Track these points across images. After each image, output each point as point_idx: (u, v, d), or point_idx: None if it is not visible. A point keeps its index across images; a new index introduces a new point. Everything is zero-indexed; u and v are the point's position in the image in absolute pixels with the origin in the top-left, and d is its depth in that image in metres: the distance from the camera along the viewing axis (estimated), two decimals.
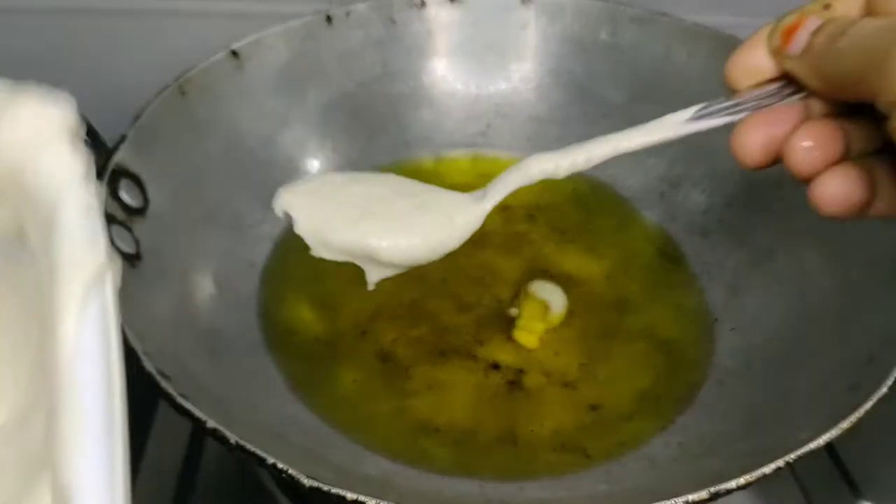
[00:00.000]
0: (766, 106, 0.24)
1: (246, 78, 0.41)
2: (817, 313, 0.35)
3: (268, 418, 0.31)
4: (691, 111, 0.25)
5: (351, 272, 0.40)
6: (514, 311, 0.38)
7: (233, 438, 0.24)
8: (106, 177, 0.32)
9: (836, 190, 0.22)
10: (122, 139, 0.34)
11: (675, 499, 0.24)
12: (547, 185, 0.45)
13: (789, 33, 0.23)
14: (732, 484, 0.24)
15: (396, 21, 0.44)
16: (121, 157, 0.33)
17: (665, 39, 0.43)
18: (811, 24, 0.22)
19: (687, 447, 0.32)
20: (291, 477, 0.24)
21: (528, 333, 0.37)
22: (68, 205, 0.19)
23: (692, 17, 0.43)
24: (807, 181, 0.23)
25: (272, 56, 0.41)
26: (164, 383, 0.26)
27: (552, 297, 0.38)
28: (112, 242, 0.30)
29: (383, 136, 0.45)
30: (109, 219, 0.31)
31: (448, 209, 0.27)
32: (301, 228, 0.26)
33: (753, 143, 0.23)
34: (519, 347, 0.37)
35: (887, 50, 0.19)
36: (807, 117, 0.23)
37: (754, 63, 0.24)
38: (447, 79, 0.46)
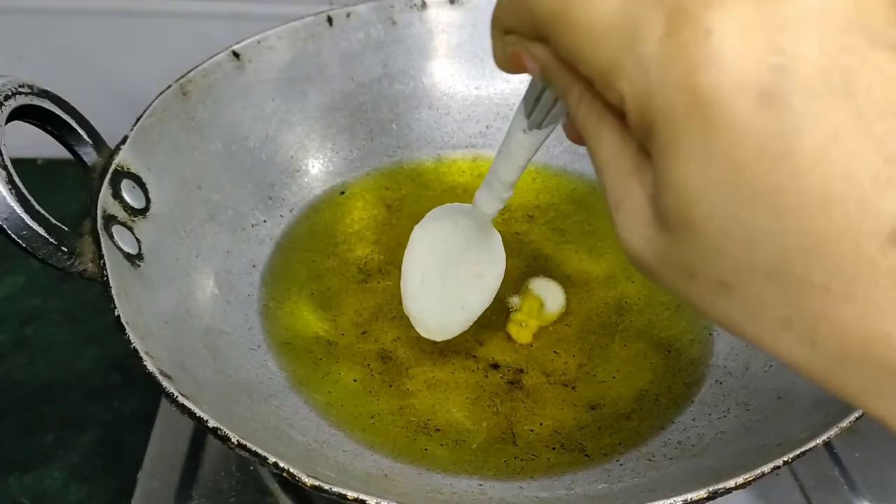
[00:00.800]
0: None
1: (247, 78, 0.41)
2: None
3: (269, 417, 0.31)
4: (524, 121, 0.25)
5: (351, 272, 0.40)
6: (514, 301, 0.38)
7: (234, 438, 0.25)
8: (108, 177, 0.32)
9: None
10: (124, 140, 0.34)
11: (674, 498, 0.24)
12: (546, 185, 0.45)
13: (517, 65, 0.20)
14: (731, 483, 0.24)
15: (397, 22, 0.45)
16: (122, 157, 0.33)
17: None
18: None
19: (686, 446, 0.32)
20: (293, 476, 0.24)
21: (521, 329, 0.37)
22: None
23: None
24: None
25: (273, 57, 0.42)
26: (165, 383, 0.26)
27: (550, 294, 0.39)
28: (114, 243, 0.30)
29: (384, 136, 0.46)
30: (111, 219, 0.31)
31: (477, 270, 0.34)
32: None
33: (573, 132, 0.23)
34: (518, 347, 0.37)
35: None
36: None
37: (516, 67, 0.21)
38: (447, 80, 0.46)
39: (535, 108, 0.24)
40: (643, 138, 0.16)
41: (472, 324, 0.35)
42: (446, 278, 0.35)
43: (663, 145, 0.15)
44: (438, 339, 0.35)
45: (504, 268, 0.34)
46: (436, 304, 0.35)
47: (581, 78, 0.18)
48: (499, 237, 0.34)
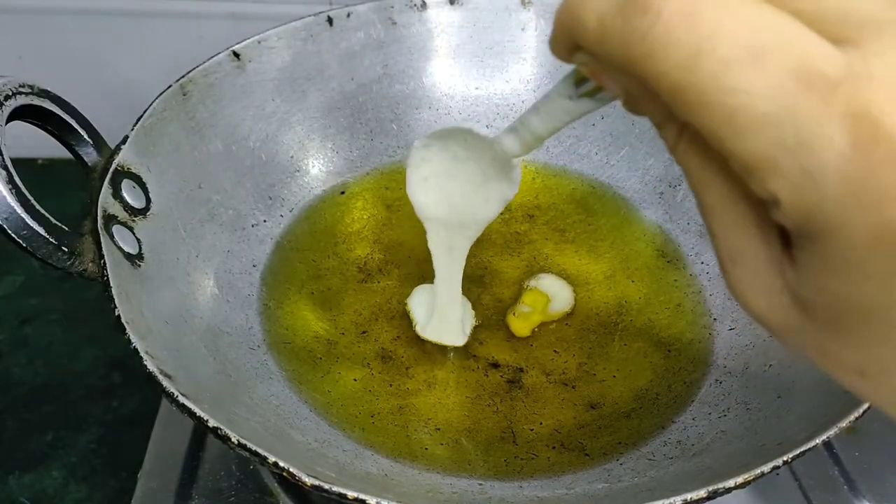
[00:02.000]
0: None
1: (247, 78, 0.41)
2: None
3: (269, 417, 0.31)
4: (572, 89, 0.22)
5: (351, 272, 0.40)
6: (530, 283, 0.39)
7: (234, 437, 0.25)
8: (108, 177, 0.32)
9: None
10: (125, 140, 0.34)
11: (674, 497, 0.24)
12: (546, 185, 0.45)
13: (597, 78, 0.19)
14: (731, 483, 0.24)
15: (397, 22, 0.45)
16: (123, 157, 0.33)
17: None
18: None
19: (685, 446, 0.32)
20: (293, 475, 0.24)
21: (521, 321, 0.37)
22: None
23: None
24: None
25: (273, 57, 0.42)
26: (166, 383, 0.26)
27: (559, 293, 0.39)
28: (114, 242, 0.30)
29: (384, 136, 0.46)
30: (111, 219, 0.31)
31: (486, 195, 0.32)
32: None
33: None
34: (518, 346, 0.37)
35: None
36: None
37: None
38: (447, 80, 0.46)
39: (588, 82, 0.22)
40: (792, 230, 0.14)
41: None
42: (454, 195, 0.32)
43: (829, 259, 0.14)
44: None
45: (516, 191, 0.31)
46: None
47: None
48: (518, 167, 0.30)
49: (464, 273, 0.38)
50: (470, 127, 0.30)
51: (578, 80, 0.22)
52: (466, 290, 0.39)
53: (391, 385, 0.35)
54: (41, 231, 0.28)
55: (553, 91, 0.23)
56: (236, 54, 0.40)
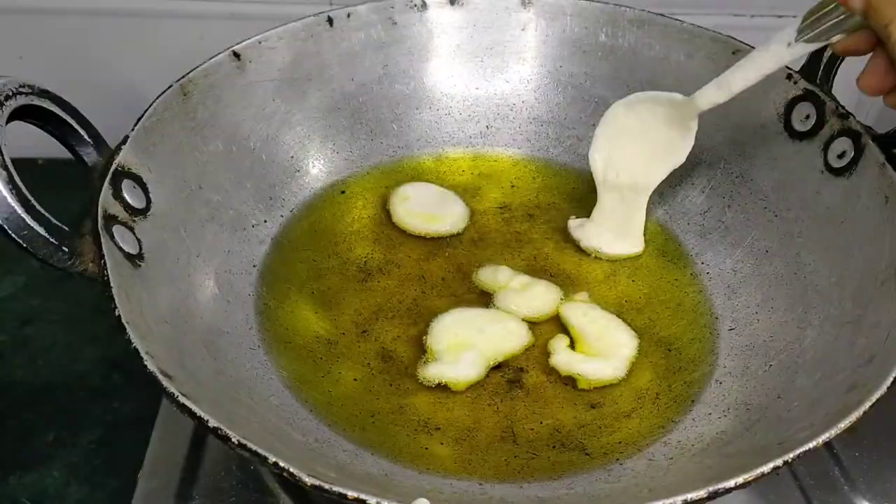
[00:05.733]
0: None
1: (247, 79, 0.41)
2: (816, 313, 0.35)
3: (269, 417, 0.31)
4: (791, 35, 0.31)
5: (351, 272, 0.40)
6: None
7: (234, 437, 0.25)
8: (108, 177, 0.32)
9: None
10: (125, 140, 0.34)
11: (674, 497, 0.24)
12: (547, 184, 0.46)
13: None
14: (731, 483, 0.24)
15: (397, 23, 0.45)
16: (123, 157, 0.33)
17: (664, 41, 0.43)
18: None
19: (686, 446, 0.32)
20: (293, 475, 0.24)
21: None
22: None
23: (690, 19, 0.43)
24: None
25: (274, 57, 0.42)
26: (166, 383, 0.26)
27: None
28: (115, 243, 0.30)
29: (384, 136, 0.46)
30: (112, 219, 0.31)
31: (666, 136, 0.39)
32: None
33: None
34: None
35: None
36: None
37: None
38: (447, 80, 0.46)
39: (813, 22, 0.30)
40: None
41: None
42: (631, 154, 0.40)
43: None
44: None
45: (685, 156, 0.39)
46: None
47: None
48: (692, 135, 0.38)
49: (464, 272, 0.38)
50: (670, 94, 0.37)
51: (802, 27, 0.30)
52: (467, 290, 0.39)
53: (391, 385, 0.35)
54: (41, 231, 0.28)
55: (764, 45, 0.32)
56: (237, 54, 0.40)
